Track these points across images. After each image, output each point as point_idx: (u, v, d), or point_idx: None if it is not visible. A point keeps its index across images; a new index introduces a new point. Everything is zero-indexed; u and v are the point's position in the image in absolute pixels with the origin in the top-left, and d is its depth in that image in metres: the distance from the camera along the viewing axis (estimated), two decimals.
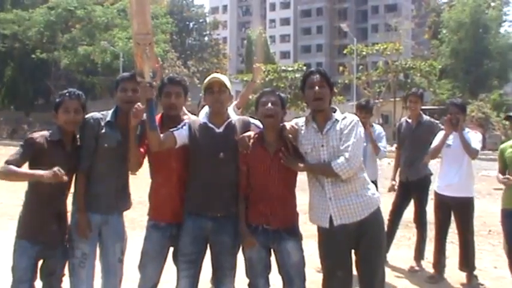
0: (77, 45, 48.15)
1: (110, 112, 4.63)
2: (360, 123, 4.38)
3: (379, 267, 4.49)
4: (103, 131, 4.52)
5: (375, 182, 7.12)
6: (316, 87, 4.31)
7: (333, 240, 4.36)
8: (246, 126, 4.59)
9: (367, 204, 4.31)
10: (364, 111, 7.07)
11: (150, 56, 4.29)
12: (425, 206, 7.28)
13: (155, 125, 4.26)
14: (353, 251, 4.43)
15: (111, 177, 4.59)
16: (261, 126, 4.51)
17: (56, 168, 4.04)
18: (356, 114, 5.11)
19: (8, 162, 4.20)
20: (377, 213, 4.40)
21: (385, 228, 7.27)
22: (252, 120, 4.66)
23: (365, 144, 6.58)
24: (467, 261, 6.62)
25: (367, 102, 7.29)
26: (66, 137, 4.45)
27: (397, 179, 7.63)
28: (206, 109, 4.72)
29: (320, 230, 4.45)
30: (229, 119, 4.57)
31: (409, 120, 7.53)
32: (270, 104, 4.34)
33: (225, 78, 4.52)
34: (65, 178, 4.08)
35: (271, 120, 4.36)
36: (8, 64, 55.10)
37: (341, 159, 4.17)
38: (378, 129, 7.33)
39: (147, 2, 4.34)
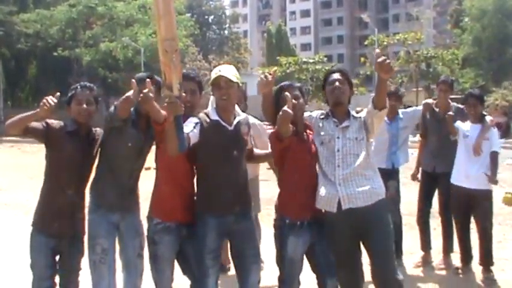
0: (99, 42, 48.34)
1: (131, 110, 4.51)
2: None
3: (390, 256, 4.47)
4: (127, 129, 4.43)
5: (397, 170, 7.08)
6: (337, 83, 4.51)
7: (339, 226, 4.43)
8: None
9: (375, 192, 4.42)
10: (394, 97, 6.73)
11: (177, 64, 3.98)
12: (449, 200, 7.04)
13: (185, 145, 4.06)
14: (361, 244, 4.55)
15: (126, 176, 4.56)
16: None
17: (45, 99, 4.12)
18: None
19: None
20: (382, 203, 4.47)
21: (419, 228, 7.26)
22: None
23: (400, 128, 6.87)
24: (486, 252, 6.46)
25: (396, 89, 7.20)
26: (81, 129, 4.45)
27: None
28: (212, 99, 4.69)
29: (327, 216, 4.48)
30: (238, 116, 4.55)
31: (436, 110, 7.10)
32: (294, 100, 4.31)
33: (231, 72, 4.37)
34: (55, 100, 4.15)
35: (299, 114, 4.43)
36: (31, 62, 55.49)
37: None
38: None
39: (171, 2, 4.13)
